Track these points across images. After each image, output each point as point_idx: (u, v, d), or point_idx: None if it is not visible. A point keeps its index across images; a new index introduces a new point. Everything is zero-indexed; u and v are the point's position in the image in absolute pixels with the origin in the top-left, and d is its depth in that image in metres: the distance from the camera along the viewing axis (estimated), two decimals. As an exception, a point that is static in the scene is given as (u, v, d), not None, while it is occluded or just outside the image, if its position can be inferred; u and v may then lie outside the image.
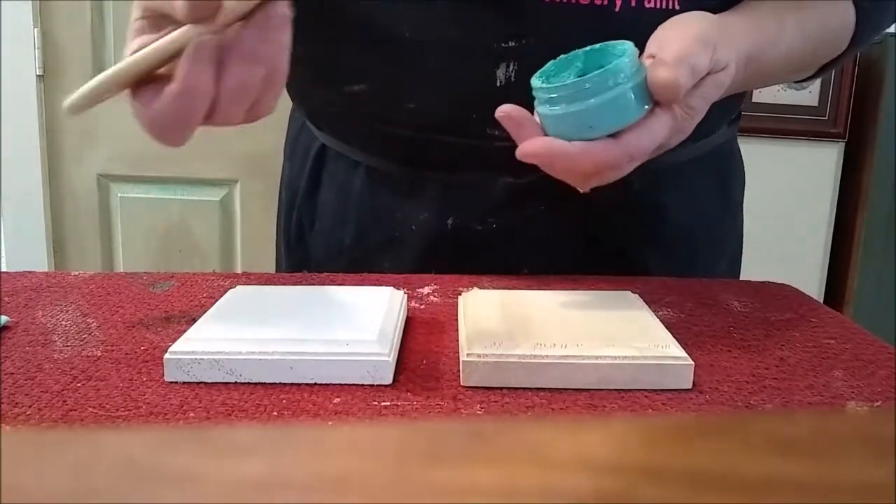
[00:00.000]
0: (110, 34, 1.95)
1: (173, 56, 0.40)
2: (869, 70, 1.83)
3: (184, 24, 0.40)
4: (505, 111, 0.45)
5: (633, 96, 0.44)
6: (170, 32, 0.40)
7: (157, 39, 0.41)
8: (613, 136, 0.45)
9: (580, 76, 0.45)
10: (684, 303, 0.55)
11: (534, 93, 0.46)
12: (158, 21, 0.41)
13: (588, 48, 0.47)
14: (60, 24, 1.94)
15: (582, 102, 0.44)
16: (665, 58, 0.45)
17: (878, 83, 1.81)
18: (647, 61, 0.46)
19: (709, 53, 0.46)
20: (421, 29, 0.56)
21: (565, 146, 0.45)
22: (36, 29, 1.93)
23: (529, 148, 0.45)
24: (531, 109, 0.47)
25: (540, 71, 0.47)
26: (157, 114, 0.40)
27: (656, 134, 0.45)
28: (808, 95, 1.81)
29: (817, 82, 1.80)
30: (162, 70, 0.41)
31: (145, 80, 0.41)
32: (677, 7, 0.55)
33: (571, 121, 0.44)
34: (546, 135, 0.46)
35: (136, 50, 0.41)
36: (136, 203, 2.03)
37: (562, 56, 0.47)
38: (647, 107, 0.45)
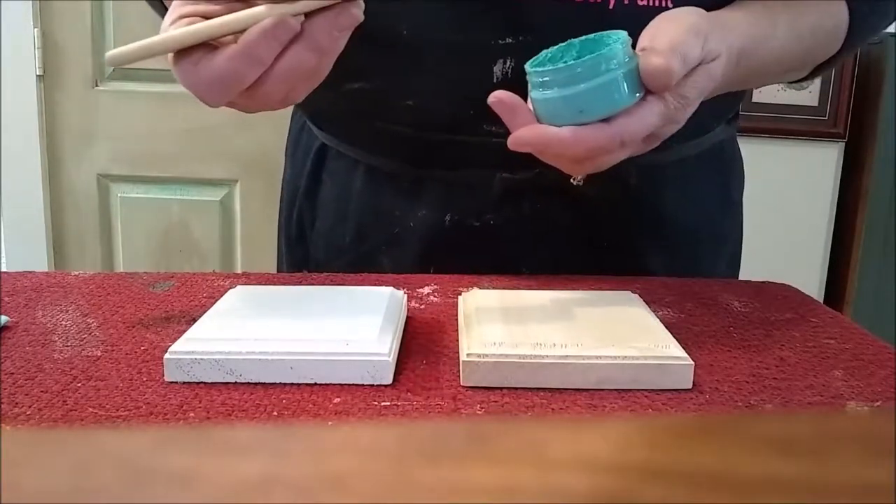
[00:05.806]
0: (110, 34, 1.95)
1: (236, 31, 0.42)
2: (869, 70, 1.83)
3: (259, 3, 0.41)
4: (497, 97, 0.45)
5: (624, 82, 0.44)
6: (232, 7, 0.42)
7: (206, 10, 0.42)
8: (604, 120, 0.45)
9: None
10: (684, 303, 0.55)
11: (527, 77, 0.46)
12: None
13: (583, 37, 0.47)
14: (60, 24, 1.94)
15: (574, 86, 0.44)
16: (657, 47, 0.45)
17: (878, 83, 1.81)
18: (639, 53, 0.46)
19: (700, 44, 0.46)
20: (419, 27, 0.56)
21: (557, 132, 0.45)
22: (36, 29, 1.93)
23: (521, 136, 0.45)
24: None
25: (534, 58, 0.47)
26: (209, 72, 0.42)
27: (647, 121, 0.45)
28: (808, 95, 1.81)
29: (817, 82, 1.80)
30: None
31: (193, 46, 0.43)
32: (669, 5, 0.55)
33: (563, 105, 0.44)
34: (538, 120, 0.46)
35: (185, 16, 0.42)
36: (136, 203, 2.03)
37: (559, 44, 0.47)
38: (638, 94, 0.45)
